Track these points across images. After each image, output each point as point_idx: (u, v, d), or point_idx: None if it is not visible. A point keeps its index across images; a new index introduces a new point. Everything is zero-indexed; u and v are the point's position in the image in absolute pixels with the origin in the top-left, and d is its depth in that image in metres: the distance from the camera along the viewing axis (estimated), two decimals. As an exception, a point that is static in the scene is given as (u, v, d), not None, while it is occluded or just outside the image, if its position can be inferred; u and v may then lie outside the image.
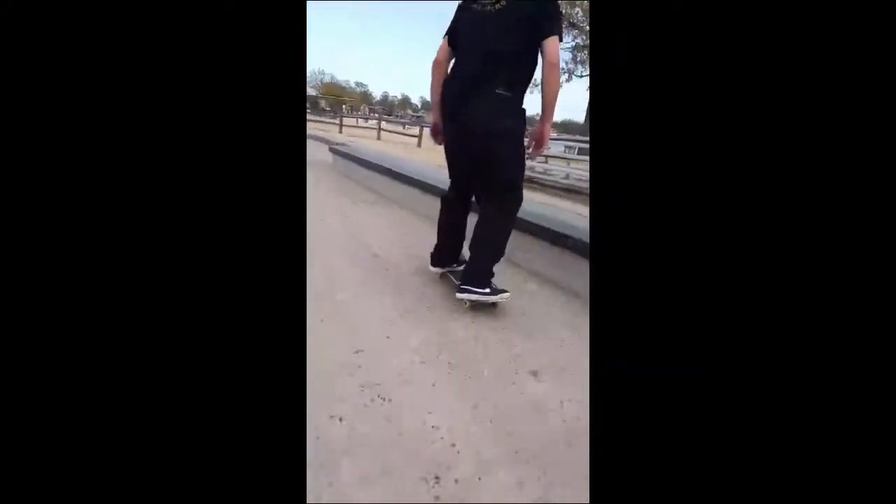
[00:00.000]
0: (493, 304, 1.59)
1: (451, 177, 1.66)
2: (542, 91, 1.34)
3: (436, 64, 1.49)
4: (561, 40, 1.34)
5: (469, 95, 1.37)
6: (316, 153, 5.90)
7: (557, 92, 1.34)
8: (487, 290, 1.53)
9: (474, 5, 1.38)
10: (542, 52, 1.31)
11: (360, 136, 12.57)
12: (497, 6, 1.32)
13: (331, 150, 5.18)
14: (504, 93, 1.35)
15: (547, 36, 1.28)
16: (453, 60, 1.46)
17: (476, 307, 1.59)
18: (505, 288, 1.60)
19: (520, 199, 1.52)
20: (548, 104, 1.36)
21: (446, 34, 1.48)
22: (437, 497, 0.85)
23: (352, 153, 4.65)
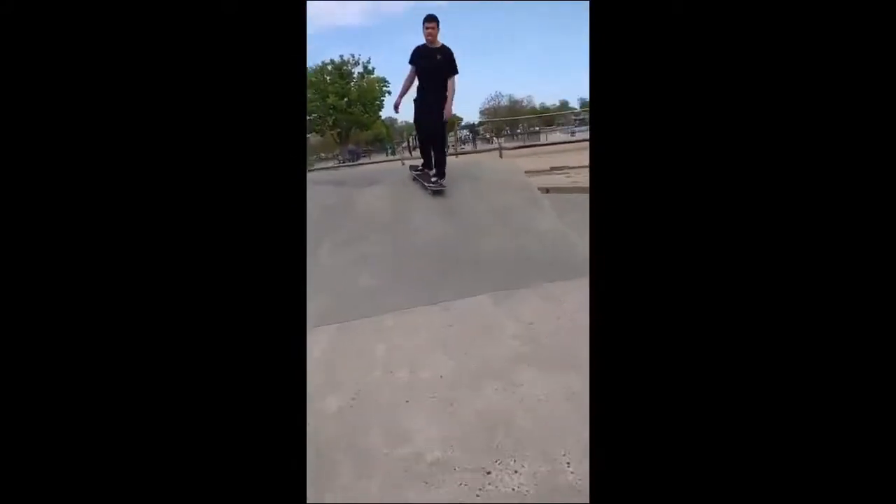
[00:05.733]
0: None
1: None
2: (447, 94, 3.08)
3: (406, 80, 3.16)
4: (456, 72, 3.00)
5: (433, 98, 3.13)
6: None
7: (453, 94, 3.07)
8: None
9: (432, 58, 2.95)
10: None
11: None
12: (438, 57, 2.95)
13: None
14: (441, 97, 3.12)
15: (451, 76, 3.00)
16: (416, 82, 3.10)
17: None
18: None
19: (446, 143, 3.47)
20: (450, 99, 3.07)
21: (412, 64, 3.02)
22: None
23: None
